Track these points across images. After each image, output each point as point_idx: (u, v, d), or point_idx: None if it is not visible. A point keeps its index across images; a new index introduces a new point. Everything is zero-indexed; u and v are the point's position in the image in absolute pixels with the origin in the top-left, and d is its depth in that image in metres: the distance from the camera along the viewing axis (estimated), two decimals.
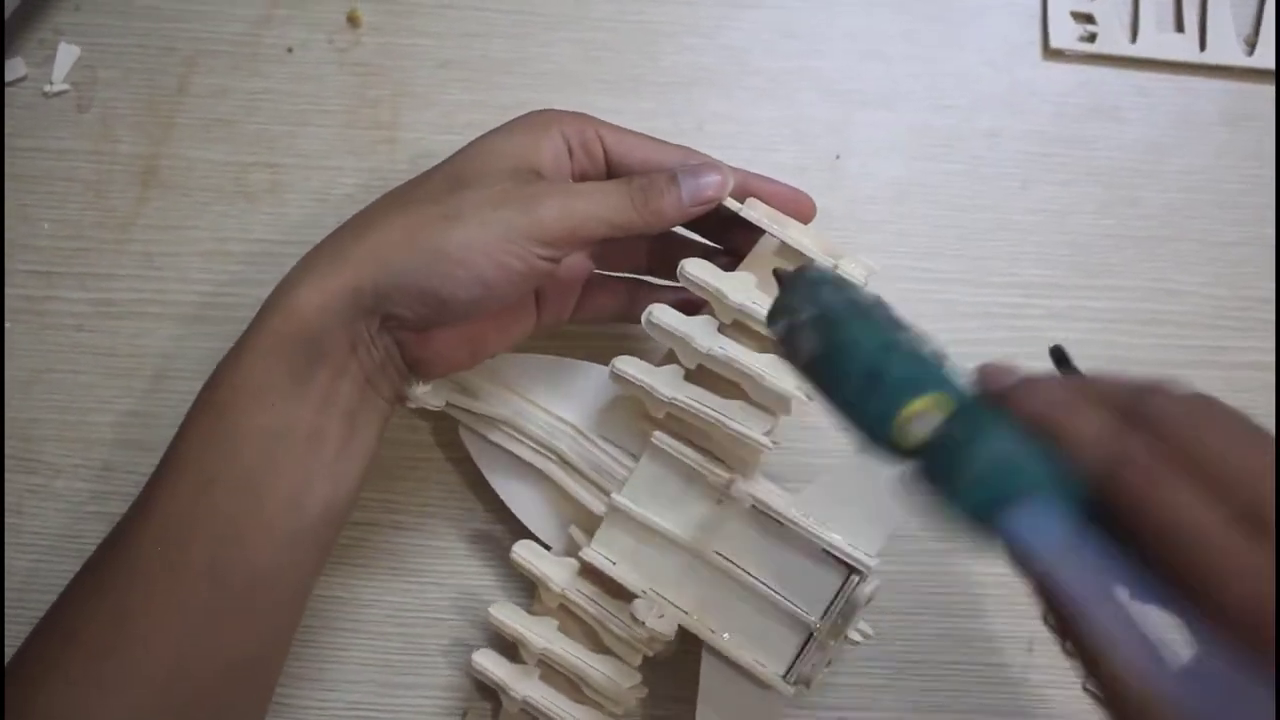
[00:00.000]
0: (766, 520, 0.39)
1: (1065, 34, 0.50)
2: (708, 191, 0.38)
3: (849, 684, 0.45)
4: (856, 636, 0.40)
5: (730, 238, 0.42)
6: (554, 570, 0.41)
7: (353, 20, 0.50)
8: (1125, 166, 0.49)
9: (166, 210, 0.48)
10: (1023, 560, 0.26)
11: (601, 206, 0.37)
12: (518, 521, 0.43)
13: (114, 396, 0.46)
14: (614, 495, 0.40)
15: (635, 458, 0.41)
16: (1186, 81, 0.50)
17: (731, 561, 0.40)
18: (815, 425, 0.46)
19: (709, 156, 0.40)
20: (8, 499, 0.45)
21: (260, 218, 0.48)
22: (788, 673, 0.39)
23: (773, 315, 0.32)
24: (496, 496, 0.44)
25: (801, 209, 0.40)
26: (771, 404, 0.39)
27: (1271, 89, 0.50)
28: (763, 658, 0.39)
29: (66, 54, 0.49)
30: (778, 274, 0.33)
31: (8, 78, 0.49)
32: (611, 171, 0.40)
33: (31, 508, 0.45)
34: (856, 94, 0.50)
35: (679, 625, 0.40)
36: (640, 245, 0.44)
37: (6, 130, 0.48)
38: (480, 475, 0.44)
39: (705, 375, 0.40)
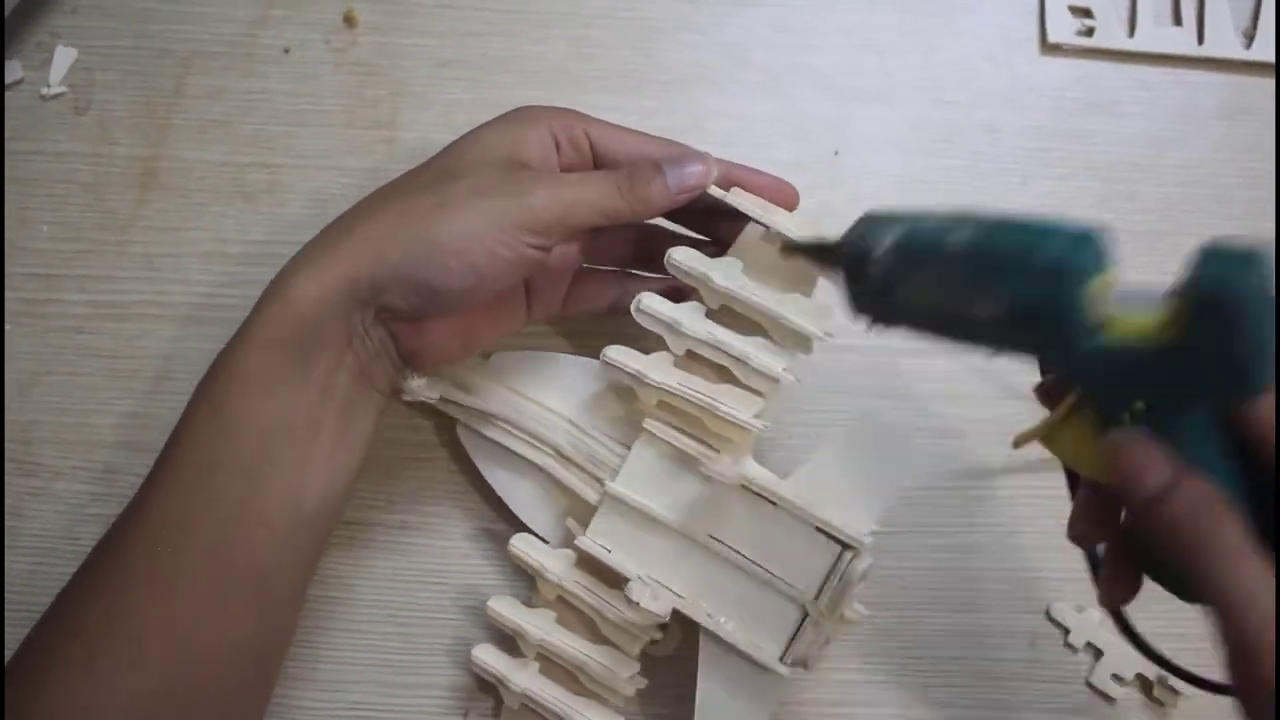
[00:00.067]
0: (759, 501, 0.40)
1: (1063, 28, 0.50)
2: (692, 180, 0.39)
3: (852, 680, 0.45)
4: (852, 615, 0.40)
5: (715, 229, 0.43)
6: (550, 561, 0.41)
7: (349, 20, 0.50)
8: (1123, 161, 0.49)
9: (165, 212, 0.48)
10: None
11: (589, 194, 0.37)
12: (519, 518, 0.44)
13: (114, 398, 0.46)
14: (608, 483, 0.41)
15: (629, 448, 0.41)
16: (1184, 75, 0.50)
17: (725, 544, 0.40)
18: (808, 422, 0.46)
19: (693, 149, 0.40)
20: (7, 502, 0.45)
21: (259, 218, 0.48)
22: (784, 654, 0.39)
23: (857, 280, 0.33)
24: (497, 494, 0.44)
25: (785, 198, 0.41)
26: (760, 386, 0.40)
27: (1269, 82, 0.50)
28: (759, 640, 0.39)
29: (63, 56, 0.49)
30: (810, 248, 0.34)
31: (5, 80, 0.49)
32: (598, 165, 0.40)
33: (31, 510, 0.45)
34: (854, 89, 0.50)
35: (679, 618, 0.40)
36: (626, 239, 0.44)
37: (5, 133, 0.48)
38: (481, 473, 0.44)
39: (694, 361, 0.41)
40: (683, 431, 0.41)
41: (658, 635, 0.42)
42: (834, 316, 0.39)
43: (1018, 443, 0.34)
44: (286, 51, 0.50)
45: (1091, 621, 0.45)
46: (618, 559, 0.40)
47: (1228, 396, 0.28)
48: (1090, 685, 0.45)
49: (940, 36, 0.51)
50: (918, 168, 0.49)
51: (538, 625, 0.41)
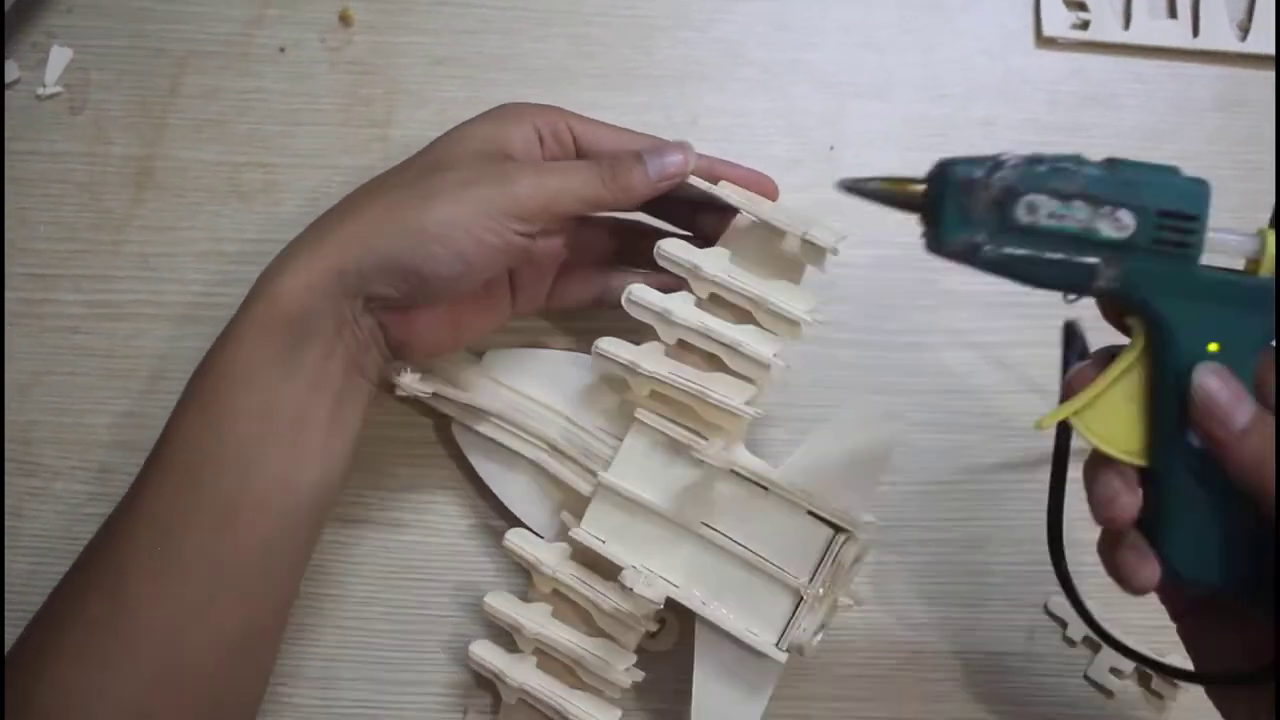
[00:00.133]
0: (751, 488, 0.40)
1: (1058, 22, 0.50)
2: (672, 168, 0.39)
3: (851, 675, 0.45)
4: (847, 600, 0.40)
5: (698, 224, 0.43)
6: (545, 554, 0.41)
7: (345, 19, 0.50)
8: (1119, 153, 0.48)
9: (161, 211, 0.48)
10: None
11: (573, 182, 0.38)
12: (513, 513, 0.44)
13: (111, 398, 0.46)
14: (601, 474, 0.41)
15: (622, 439, 0.42)
16: (1180, 68, 0.50)
17: (718, 531, 0.40)
18: (805, 416, 0.46)
19: (673, 140, 0.41)
20: (7, 502, 0.45)
21: (254, 217, 0.48)
22: (780, 640, 0.39)
23: (963, 204, 0.33)
24: (491, 490, 0.44)
25: (765, 191, 0.42)
26: (751, 373, 0.40)
27: (1265, 74, 0.50)
28: (754, 626, 0.40)
29: (59, 57, 0.49)
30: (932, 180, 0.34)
31: (3, 80, 0.49)
32: (581, 158, 0.41)
33: (30, 510, 0.45)
34: (850, 85, 0.50)
35: (676, 613, 0.40)
36: (610, 233, 0.45)
37: (4, 134, 0.48)
38: (476, 470, 0.44)
39: (685, 350, 0.41)
40: (675, 421, 0.41)
41: (653, 626, 0.42)
42: (819, 301, 0.40)
43: (1039, 424, 0.34)
44: (282, 50, 0.50)
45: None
46: (612, 549, 0.41)
47: None
48: (1088, 679, 0.45)
49: (936, 31, 0.51)
50: (914, 162, 0.49)
51: (534, 619, 0.41)
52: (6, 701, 0.34)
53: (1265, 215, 0.48)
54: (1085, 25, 0.50)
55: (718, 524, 0.40)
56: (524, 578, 0.43)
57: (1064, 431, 0.34)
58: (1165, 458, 0.33)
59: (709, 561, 0.40)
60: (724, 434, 0.40)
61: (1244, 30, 0.50)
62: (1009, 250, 0.32)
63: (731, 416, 0.40)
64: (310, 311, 0.36)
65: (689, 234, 0.44)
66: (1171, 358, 0.32)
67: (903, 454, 0.46)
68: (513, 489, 0.44)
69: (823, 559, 0.39)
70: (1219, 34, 0.50)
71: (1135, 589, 0.33)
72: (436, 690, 0.44)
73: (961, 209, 0.32)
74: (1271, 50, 0.50)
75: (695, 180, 0.41)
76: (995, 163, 0.32)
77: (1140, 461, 0.33)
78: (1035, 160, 0.32)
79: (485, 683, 0.43)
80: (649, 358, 0.41)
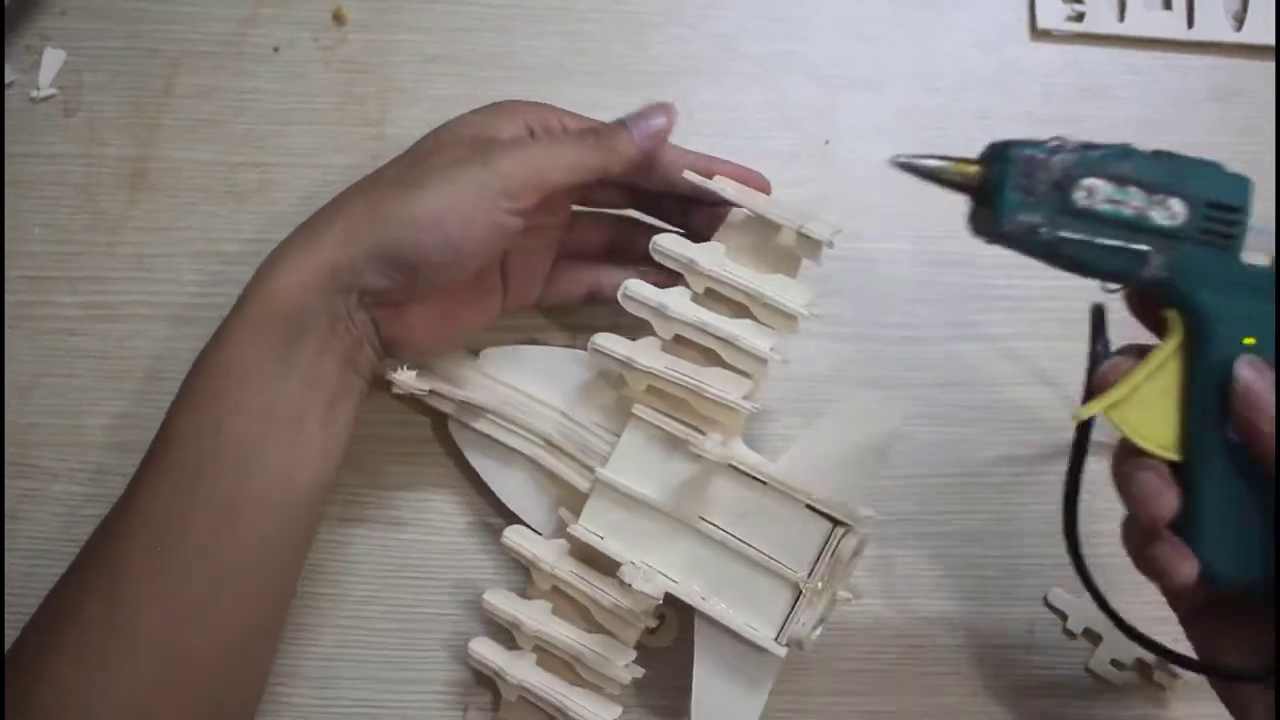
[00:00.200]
0: (749, 482, 0.40)
1: (1052, 14, 0.50)
2: (655, 127, 0.40)
3: (851, 669, 0.44)
4: (846, 594, 0.40)
5: (691, 221, 0.43)
6: (544, 551, 0.41)
7: (338, 18, 0.50)
8: None
9: (156, 212, 0.48)
10: None
11: (559, 152, 0.38)
12: (511, 511, 0.44)
13: (107, 399, 0.46)
14: (599, 469, 0.41)
15: (619, 435, 0.42)
16: (1175, 59, 0.50)
17: (716, 526, 0.40)
18: (804, 411, 0.46)
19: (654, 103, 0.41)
20: (5, 504, 0.45)
21: (250, 217, 0.48)
22: (779, 634, 0.39)
23: (1020, 185, 0.32)
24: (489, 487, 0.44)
25: (758, 186, 0.42)
26: (748, 367, 0.40)
27: (1260, 64, 0.50)
28: (753, 621, 0.39)
29: (52, 59, 0.49)
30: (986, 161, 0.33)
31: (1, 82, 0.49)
32: None
33: (28, 512, 0.45)
34: (844, 78, 0.50)
35: (676, 609, 0.40)
36: (603, 231, 0.45)
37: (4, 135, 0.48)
38: (474, 468, 0.44)
39: (682, 345, 0.41)
40: (672, 416, 0.41)
41: (652, 622, 0.42)
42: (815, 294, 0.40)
43: (1078, 415, 0.34)
44: (276, 50, 0.50)
45: (1090, 607, 0.44)
46: (610, 545, 0.41)
47: None
48: (1090, 671, 0.44)
49: (930, 23, 0.51)
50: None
51: (533, 616, 0.41)
52: (6, 702, 0.34)
53: (1263, 206, 0.48)
54: (1080, 17, 0.50)
55: (716, 519, 0.40)
56: (523, 575, 0.43)
57: (1086, 424, 0.34)
58: (1201, 453, 0.33)
59: (707, 556, 0.40)
60: (721, 428, 0.40)
61: (1239, 21, 0.50)
62: (1065, 233, 0.32)
63: (729, 411, 0.40)
64: (305, 309, 0.36)
65: (682, 230, 0.44)
66: (1211, 351, 0.32)
67: (901, 447, 0.45)
68: (510, 486, 0.44)
69: (821, 553, 0.39)
70: (1214, 25, 0.50)
71: (1174, 586, 0.33)
72: (436, 688, 0.44)
73: (1022, 189, 0.32)
74: (1266, 40, 0.50)
75: (691, 175, 0.41)
76: (1055, 145, 0.32)
77: (1175, 456, 0.33)
78: (1091, 146, 0.32)
79: (485, 680, 0.43)
80: (646, 353, 0.41)
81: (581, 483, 0.42)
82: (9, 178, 0.48)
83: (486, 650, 0.42)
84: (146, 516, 0.36)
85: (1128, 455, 0.34)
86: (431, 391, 0.42)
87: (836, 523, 0.39)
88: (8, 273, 0.47)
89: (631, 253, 0.42)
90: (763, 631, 0.39)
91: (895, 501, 0.45)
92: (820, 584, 0.39)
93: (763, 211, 0.40)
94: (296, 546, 0.38)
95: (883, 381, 0.47)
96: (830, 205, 0.48)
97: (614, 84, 0.49)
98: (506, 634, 0.42)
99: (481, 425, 0.43)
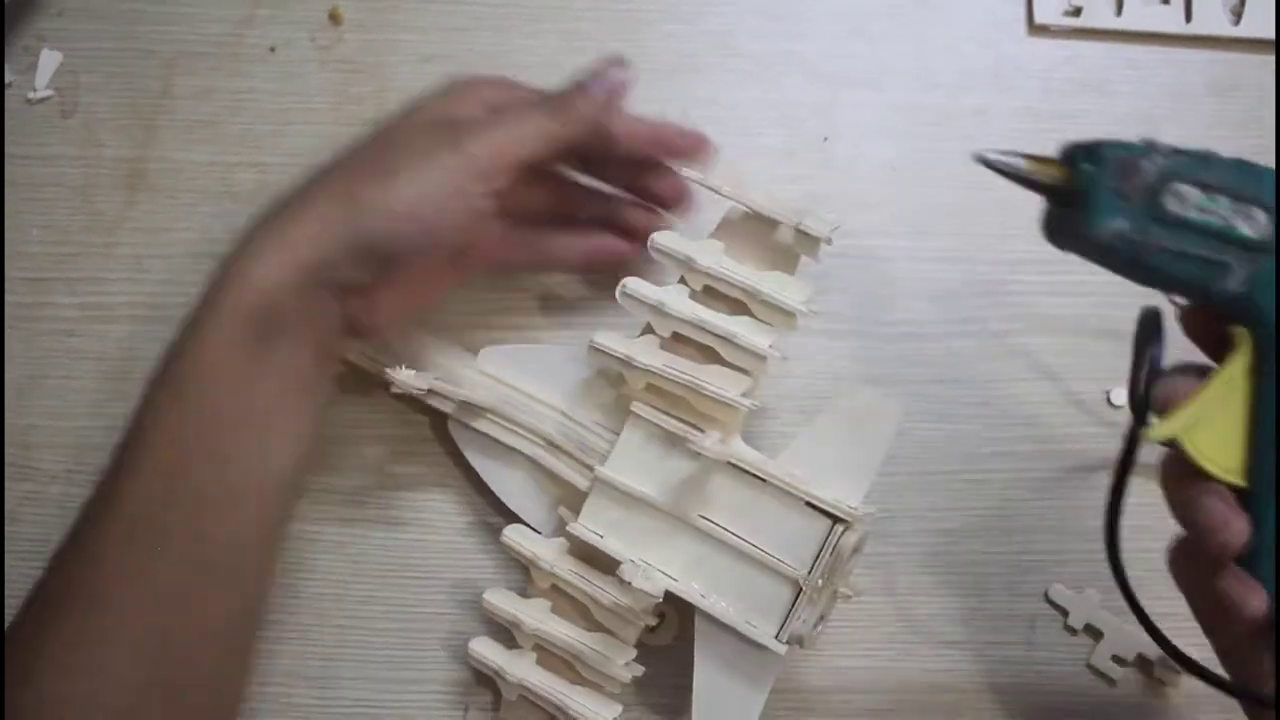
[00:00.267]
0: (749, 479, 0.40)
1: (1050, 9, 0.50)
2: (613, 83, 0.40)
3: (851, 667, 0.44)
4: (847, 591, 0.40)
5: (638, 185, 0.44)
6: (543, 550, 0.41)
7: (334, 18, 0.50)
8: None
9: (154, 213, 0.48)
10: None
11: (523, 125, 0.38)
12: (511, 510, 0.44)
13: (106, 401, 0.46)
14: (598, 467, 0.41)
15: (619, 433, 0.42)
16: (1173, 53, 0.50)
17: (716, 524, 0.40)
18: (804, 409, 0.46)
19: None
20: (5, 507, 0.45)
21: (248, 218, 0.48)
22: (780, 632, 0.39)
23: (1112, 190, 0.30)
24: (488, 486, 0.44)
25: (701, 152, 0.42)
26: (746, 365, 0.40)
27: (1258, 58, 0.50)
28: (754, 618, 0.39)
29: (49, 60, 0.49)
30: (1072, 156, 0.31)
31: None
32: None
33: (27, 515, 0.45)
34: (841, 75, 0.50)
35: (677, 607, 0.40)
36: (546, 192, 0.44)
37: (4, 136, 0.48)
38: (473, 467, 0.44)
39: (681, 343, 0.41)
40: (671, 414, 0.41)
41: (653, 620, 0.42)
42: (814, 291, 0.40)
43: (1155, 435, 0.32)
44: (272, 50, 0.50)
45: (1091, 603, 0.44)
46: (610, 544, 0.41)
47: None
48: (1091, 667, 0.44)
49: (929, 21, 0.50)
50: (907, 151, 0.49)
51: (533, 615, 0.41)
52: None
53: None
54: (1078, 12, 0.50)
55: (715, 517, 0.40)
56: (522, 574, 0.43)
57: (1135, 438, 0.32)
58: (1270, 479, 0.31)
59: (707, 554, 0.40)
60: (720, 426, 0.40)
61: (1237, 15, 0.50)
62: (1155, 241, 0.30)
63: (728, 408, 0.40)
64: (282, 308, 0.36)
65: (629, 196, 0.44)
66: None
67: (901, 444, 0.45)
68: (510, 485, 0.44)
69: (821, 550, 0.39)
70: (1212, 19, 0.50)
71: (1245, 619, 0.31)
72: (437, 688, 0.44)
73: (1116, 194, 0.30)
74: (1265, 34, 0.49)
75: (689, 173, 0.41)
76: (1145, 146, 0.30)
77: (1241, 482, 0.31)
78: (1179, 150, 0.31)
79: (485, 680, 0.43)
80: (644, 351, 0.41)
81: (581, 481, 0.42)
82: (6, 179, 0.48)
83: (486, 650, 0.41)
84: (129, 519, 0.35)
85: (1188, 479, 0.32)
86: (430, 391, 0.42)
87: (836, 520, 0.39)
88: (7, 273, 0.47)
89: (575, 217, 0.42)
90: (763, 629, 0.39)
91: (895, 498, 0.45)
92: (820, 581, 0.39)
93: (761, 208, 0.40)
94: (273, 537, 0.38)
95: (882, 378, 0.47)
96: (828, 202, 0.48)
97: None
98: (506, 633, 0.42)
99: (481, 424, 0.43)
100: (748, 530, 0.40)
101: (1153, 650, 0.44)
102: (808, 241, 0.40)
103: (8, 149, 0.48)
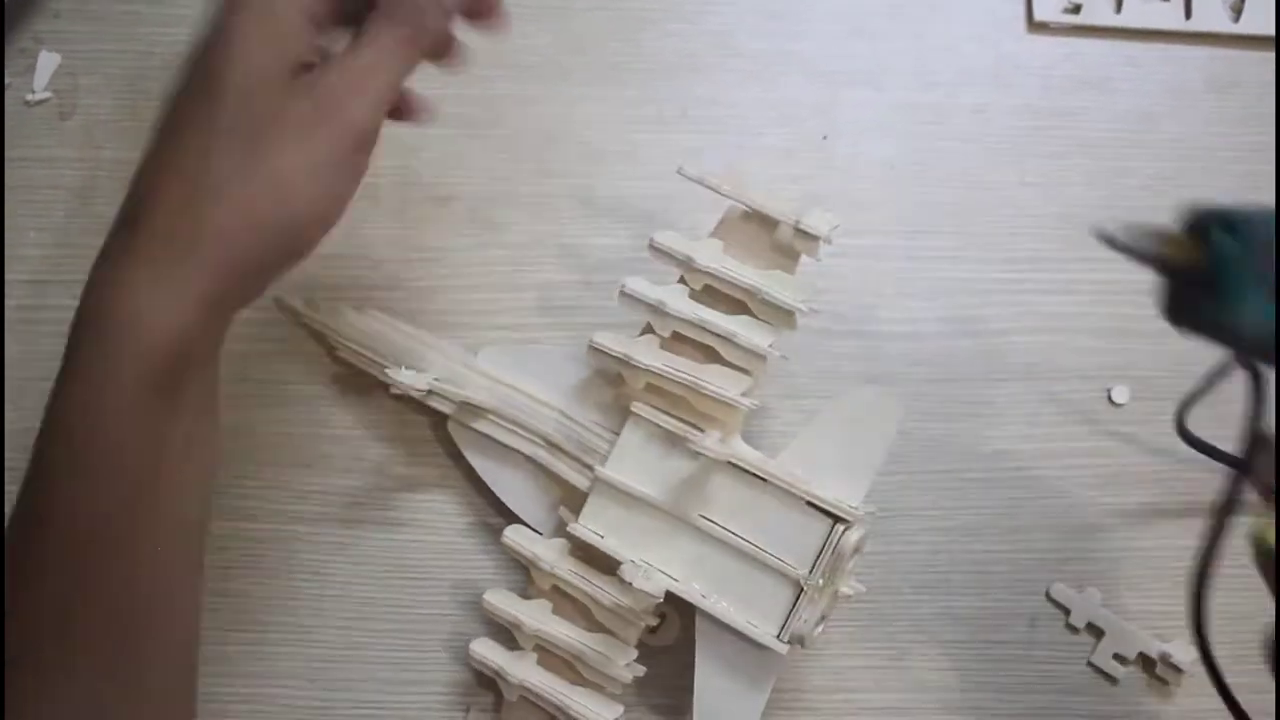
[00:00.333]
0: (749, 479, 0.40)
1: (1049, 6, 0.50)
2: None
3: (852, 666, 0.44)
4: (848, 590, 0.40)
5: None
6: (544, 550, 0.41)
7: None
8: (1114, 137, 0.49)
9: None
10: None
11: (390, 70, 0.34)
12: (512, 511, 0.44)
13: None
14: (598, 467, 0.41)
15: (619, 433, 0.42)
16: (1173, 50, 0.50)
17: (716, 523, 0.40)
18: (803, 409, 0.46)
19: None
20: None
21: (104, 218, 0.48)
22: (781, 631, 0.39)
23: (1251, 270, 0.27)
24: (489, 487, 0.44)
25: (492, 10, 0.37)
26: (746, 364, 0.40)
27: (1258, 55, 0.50)
28: (755, 618, 0.39)
29: (47, 62, 0.49)
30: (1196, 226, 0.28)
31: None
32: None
33: None
34: (841, 74, 0.50)
35: (678, 607, 0.40)
36: None
37: (4, 137, 0.48)
38: (473, 468, 0.44)
39: (680, 342, 0.41)
40: (671, 414, 0.41)
41: (653, 620, 0.42)
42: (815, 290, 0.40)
43: (1259, 542, 0.29)
44: None
45: (1092, 602, 0.44)
46: (610, 544, 0.40)
47: None
48: (1092, 665, 0.44)
49: (927, 18, 0.50)
50: (907, 150, 0.49)
51: (534, 616, 0.41)
52: None
53: (1262, 196, 0.49)
54: (1077, 9, 0.50)
55: (716, 516, 0.40)
56: (523, 574, 0.43)
57: (1227, 513, 0.30)
58: None
59: (708, 554, 0.40)
60: (720, 426, 0.40)
61: (1236, 11, 0.50)
62: None
63: (727, 408, 0.40)
64: (190, 348, 0.32)
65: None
66: None
67: (901, 443, 0.45)
68: (510, 485, 0.43)
69: (822, 549, 0.39)
70: (1212, 15, 0.50)
71: None
72: (438, 689, 0.44)
73: (1260, 275, 0.26)
74: (1264, 31, 0.49)
75: (687, 171, 0.41)
76: (1261, 215, 0.26)
77: None
78: None
79: (487, 681, 0.43)
80: (644, 351, 0.40)
81: (581, 481, 0.42)
82: (4, 181, 0.48)
83: (487, 651, 0.41)
84: (40, 623, 0.32)
85: None
86: (430, 392, 0.42)
87: (837, 519, 0.39)
88: (5, 276, 0.47)
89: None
90: (764, 629, 0.39)
91: (896, 497, 0.45)
92: (821, 581, 0.39)
93: (760, 207, 0.40)
94: (196, 566, 0.36)
95: (882, 377, 0.47)
96: (828, 201, 0.48)
97: (610, 81, 0.49)
98: (507, 634, 0.42)
99: (480, 425, 0.43)
100: (748, 530, 0.40)
101: (1154, 648, 0.44)
102: (807, 240, 0.40)
103: (6, 151, 0.48)
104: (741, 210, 0.41)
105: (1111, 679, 0.44)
